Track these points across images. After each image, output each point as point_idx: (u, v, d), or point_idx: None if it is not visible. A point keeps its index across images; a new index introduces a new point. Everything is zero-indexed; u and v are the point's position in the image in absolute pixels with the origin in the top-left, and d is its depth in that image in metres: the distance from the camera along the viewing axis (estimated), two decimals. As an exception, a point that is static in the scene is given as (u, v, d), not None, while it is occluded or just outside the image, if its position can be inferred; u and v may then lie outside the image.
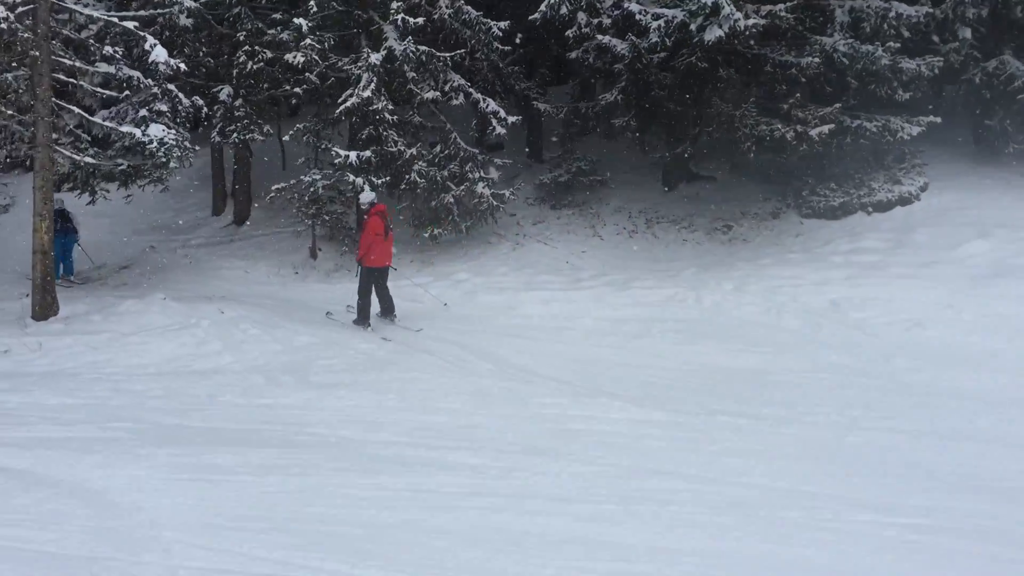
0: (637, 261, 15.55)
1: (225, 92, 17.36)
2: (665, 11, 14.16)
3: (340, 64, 16.20)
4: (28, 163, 24.96)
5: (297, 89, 16.09)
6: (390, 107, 15.41)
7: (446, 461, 6.39)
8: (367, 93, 14.99)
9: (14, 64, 14.46)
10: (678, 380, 10.31)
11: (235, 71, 16.87)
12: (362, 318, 13.41)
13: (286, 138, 16.59)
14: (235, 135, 17.29)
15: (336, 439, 7.61)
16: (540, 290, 14.39)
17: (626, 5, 14.37)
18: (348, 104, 15.23)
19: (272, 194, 16.67)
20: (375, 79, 15.13)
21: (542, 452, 6.72)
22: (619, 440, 7.16)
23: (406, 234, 17.27)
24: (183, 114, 16.06)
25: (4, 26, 13.53)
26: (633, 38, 14.74)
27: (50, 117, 14.83)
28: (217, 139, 17.48)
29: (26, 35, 13.97)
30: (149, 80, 15.58)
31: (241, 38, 16.79)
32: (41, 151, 14.65)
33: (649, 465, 6.29)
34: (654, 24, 14.00)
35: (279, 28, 16.63)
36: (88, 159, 15.49)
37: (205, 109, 16.26)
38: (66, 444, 7.72)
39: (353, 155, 15.33)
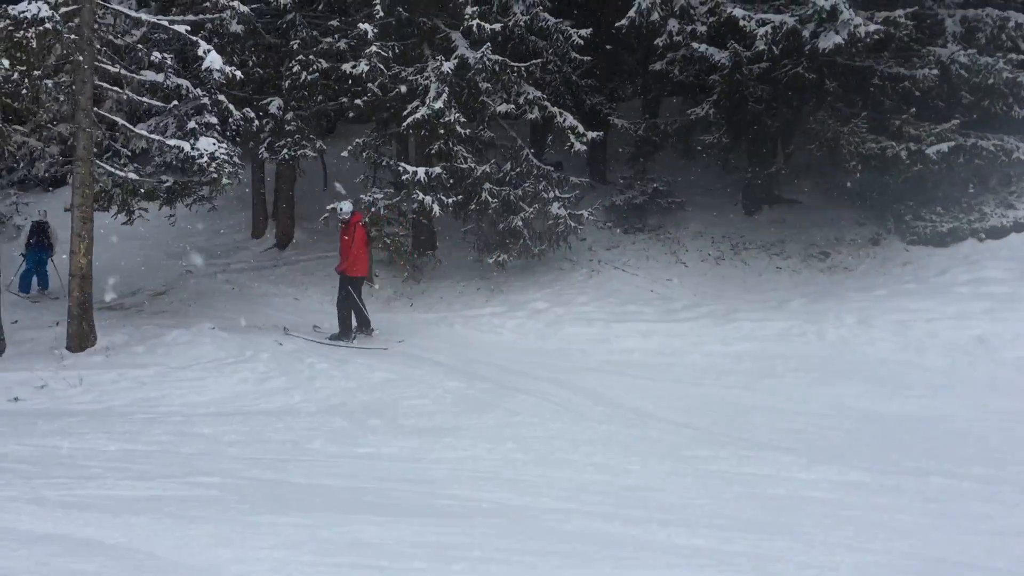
0: (730, 290, 14.28)
1: (275, 105, 16.13)
2: (772, 16, 12.98)
3: (404, 74, 14.97)
4: (51, 181, 23.78)
5: (358, 101, 14.82)
6: (462, 119, 14.16)
7: (669, 544, 5.04)
8: (439, 104, 13.75)
9: (53, 69, 13.19)
10: (833, 428, 8.98)
11: (286, 82, 15.64)
12: (346, 330, 12.97)
13: (344, 153, 15.31)
14: (285, 151, 16.04)
15: (489, 505, 6.27)
16: (633, 321, 13.10)
17: (728, 11, 13.16)
18: (419, 115, 13.97)
19: (326, 215, 15.38)
20: (447, 89, 13.89)
21: (775, 530, 5.38)
22: (853, 513, 5.83)
23: (469, 259, 16.00)
24: (233, 127, 14.82)
25: (49, 26, 12.31)
26: (736, 46, 13.53)
27: (92, 128, 13.59)
28: (265, 155, 16.24)
29: (71, 37, 12.76)
30: (198, 90, 14.36)
31: (295, 47, 15.57)
32: (81, 166, 13.41)
33: (943, 554, 4.94)
34: (760, 31, 12.82)
35: (335, 36, 15.42)
36: (131, 175, 14.21)
37: (257, 122, 14.98)
38: (156, 507, 6.36)
39: (421, 172, 14.07)
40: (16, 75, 11.82)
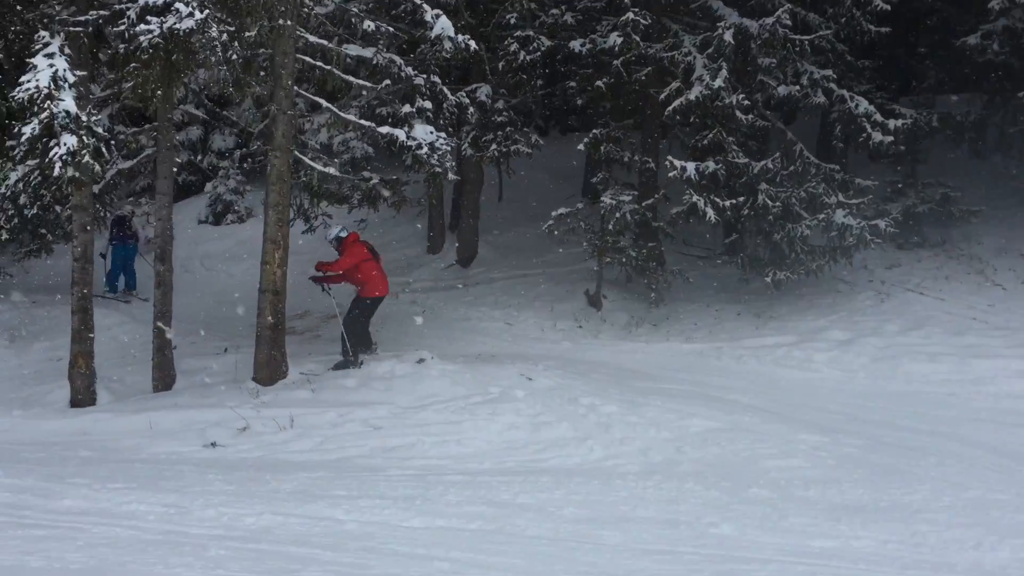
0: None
1: (483, 92, 13.83)
2: None
3: (654, 51, 12.53)
4: (181, 189, 21.81)
5: (600, 83, 12.42)
6: (746, 102, 11.66)
7: None
8: (718, 82, 11.28)
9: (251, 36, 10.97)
10: None
11: (500, 63, 13.35)
12: (350, 356, 11.60)
13: (580, 147, 12.93)
14: (493, 146, 13.71)
15: None
16: (991, 357, 10.43)
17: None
18: (690, 97, 11.50)
19: (550, 223, 13.00)
20: (724, 65, 11.42)
21: None
22: None
23: (731, 277, 13.46)
24: (446, 114, 12.55)
25: (261, -22, 10.17)
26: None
27: (293, 110, 11.43)
28: (468, 151, 13.94)
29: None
30: (409, 68, 12.12)
31: (512, 20, 13.28)
32: (280, 156, 11.27)
33: None
34: None
35: (562, 8, 13.10)
36: (331, 170, 11.99)
37: (472, 109, 12.67)
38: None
39: (692, 167, 11.58)
40: (224, 36, 9.64)
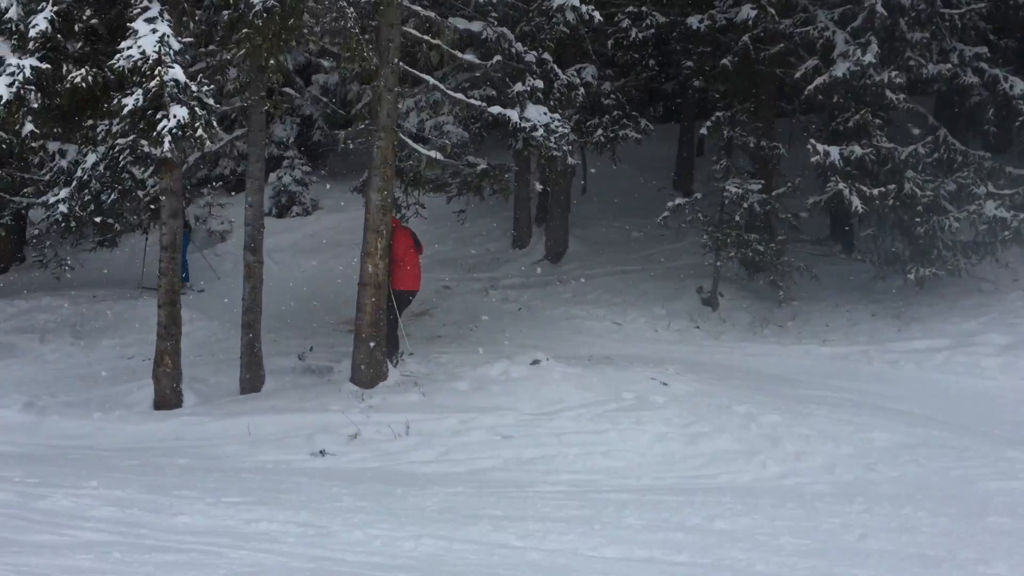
0: None
1: (590, 72, 12.87)
2: None
3: (783, 27, 11.51)
4: (236, 183, 20.96)
5: (725, 60, 11.42)
6: (899, 80, 10.63)
7: None
8: (869, 57, 10.26)
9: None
10: None
11: (610, 41, 12.38)
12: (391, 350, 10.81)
13: (703, 131, 11.95)
14: (599, 132, 12.73)
15: None
16: None
17: None
18: (836, 74, 10.49)
19: (665, 214, 12.04)
20: (874, 39, 10.40)
21: None
22: None
23: (855, 274, 12.44)
24: (556, 95, 11.61)
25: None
26: None
27: (397, 87, 10.55)
28: (572, 137, 12.94)
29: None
30: (519, 45, 11.21)
31: (623, -7, 12.35)
32: (384, 138, 10.42)
33: None
34: None
35: (678, -19, 12.16)
36: (436, 155, 11.08)
37: (581, 90, 11.69)
38: None
39: (835, 152, 10.55)
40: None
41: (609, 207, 16.79)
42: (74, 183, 11.46)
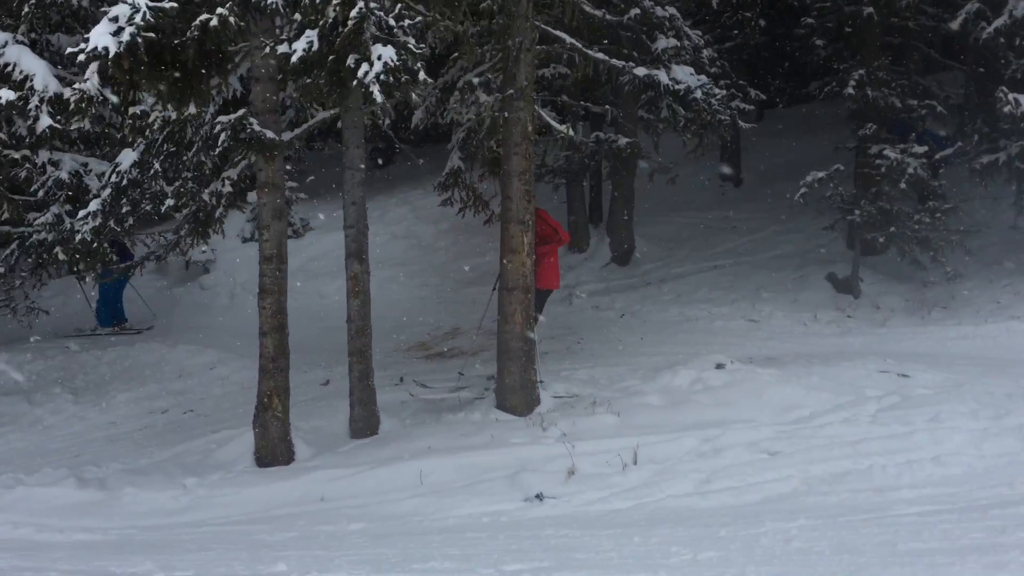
0: None
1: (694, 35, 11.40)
2: None
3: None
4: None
5: (869, 8, 10.15)
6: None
7: None
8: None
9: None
10: None
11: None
12: None
13: (849, 90, 10.61)
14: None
15: None
16: None
17: None
18: (1017, 13, 9.37)
19: (802, 191, 10.70)
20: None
21: None
22: None
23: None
24: (688, 56, 10.13)
25: None
26: None
27: (534, 46, 8.85)
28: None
29: None
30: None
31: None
32: (525, 107, 8.68)
33: None
34: None
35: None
36: (570, 132, 9.36)
37: (710, 51, 10.22)
38: None
39: (1028, 99, 9.43)
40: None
41: (660, 202, 15.29)
42: (108, 190, 9.16)
